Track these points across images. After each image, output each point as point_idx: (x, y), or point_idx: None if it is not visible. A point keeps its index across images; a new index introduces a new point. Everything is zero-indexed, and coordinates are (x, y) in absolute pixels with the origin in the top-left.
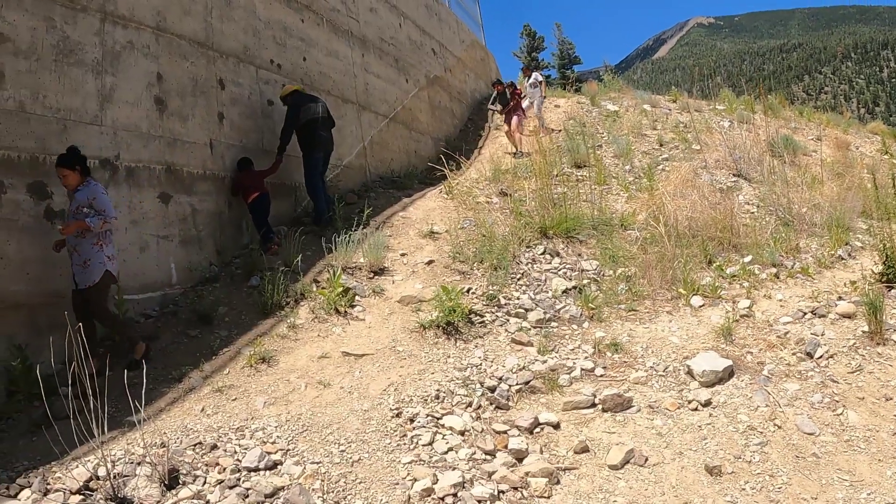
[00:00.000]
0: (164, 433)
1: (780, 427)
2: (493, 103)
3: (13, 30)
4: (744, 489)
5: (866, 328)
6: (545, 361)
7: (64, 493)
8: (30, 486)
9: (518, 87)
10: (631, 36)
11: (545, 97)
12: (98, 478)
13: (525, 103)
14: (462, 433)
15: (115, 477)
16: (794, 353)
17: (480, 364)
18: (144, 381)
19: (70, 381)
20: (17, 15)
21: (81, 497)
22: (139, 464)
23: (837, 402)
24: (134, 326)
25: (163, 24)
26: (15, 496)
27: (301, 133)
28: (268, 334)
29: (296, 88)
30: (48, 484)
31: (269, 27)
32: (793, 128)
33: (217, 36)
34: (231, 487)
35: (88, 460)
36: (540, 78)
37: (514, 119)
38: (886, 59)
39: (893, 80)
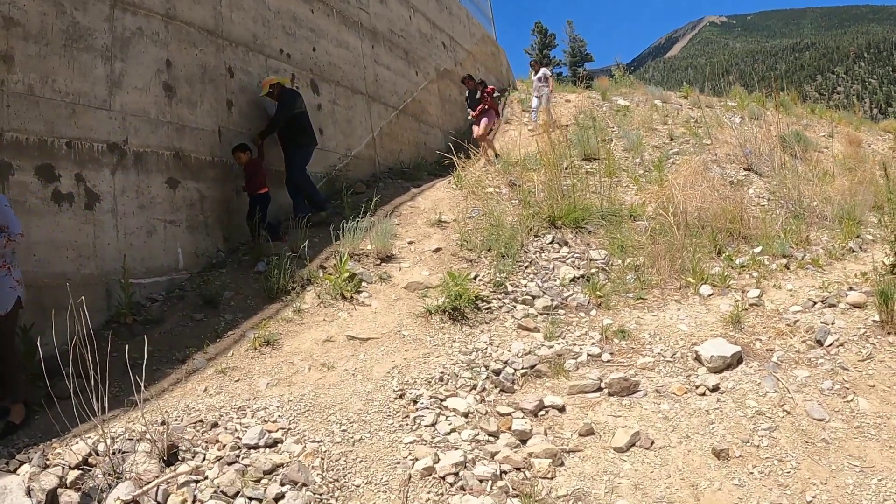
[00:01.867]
0: (166, 411)
1: (788, 413)
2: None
3: (23, 14)
4: (752, 473)
5: (877, 318)
6: (551, 347)
7: (63, 467)
8: (29, 462)
9: (490, 86)
10: (643, 34)
11: (553, 91)
12: (97, 453)
13: (534, 102)
14: (465, 415)
15: (114, 453)
16: (803, 341)
17: (486, 348)
18: (145, 360)
19: (71, 360)
20: (27, 0)
21: (80, 472)
22: (139, 440)
23: (848, 389)
24: (27, 385)
25: (172, 12)
26: (14, 471)
27: (295, 125)
28: (273, 318)
29: (278, 80)
30: (47, 459)
31: (279, 17)
32: (804, 125)
33: (226, 24)
34: (230, 464)
35: (88, 437)
36: (548, 73)
37: (484, 121)
38: None
39: None
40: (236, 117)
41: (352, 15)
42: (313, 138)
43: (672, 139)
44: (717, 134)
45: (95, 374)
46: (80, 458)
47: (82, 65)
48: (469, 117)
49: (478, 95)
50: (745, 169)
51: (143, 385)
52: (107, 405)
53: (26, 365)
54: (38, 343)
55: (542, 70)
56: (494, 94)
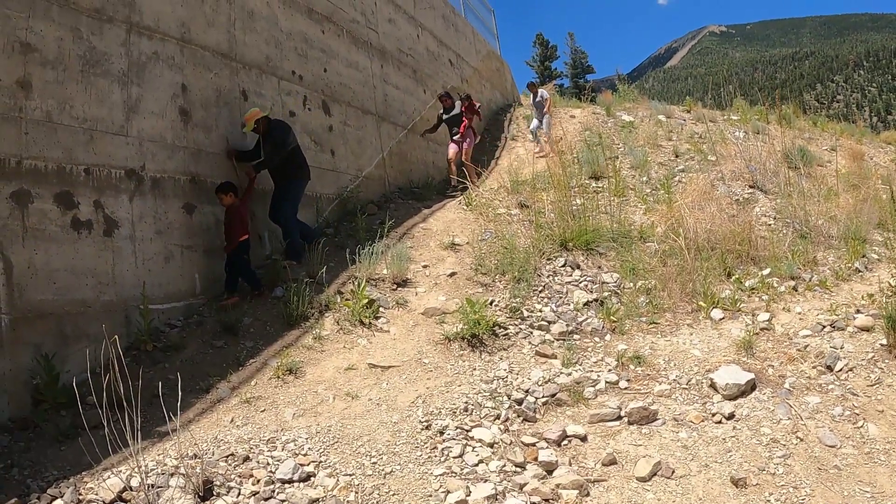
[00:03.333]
0: (196, 444)
1: (802, 440)
2: (441, 121)
3: (41, 40)
4: (769, 501)
5: (885, 341)
6: (570, 374)
7: (97, 503)
8: (62, 497)
9: (474, 101)
10: (643, 44)
11: (549, 113)
12: (131, 488)
13: (533, 123)
14: (491, 445)
15: (149, 488)
16: (814, 367)
17: (506, 376)
18: (180, 393)
19: (103, 389)
20: (44, 25)
21: None
22: (172, 475)
23: (858, 414)
24: None
25: (187, 36)
26: None
27: (290, 159)
28: (294, 345)
29: (265, 114)
30: (80, 494)
31: (291, 38)
32: (807, 138)
33: (240, 47)
34: (266, 499)
35: (120, 470)
36: (546, 95)
37: (465, 144)
38: None
39: None
40: (250, 141)
41: (361, 35)
42: (309, 172)
43: (677, 156)
44: (722, 150)
45: (124, 404)
46: (115, 494)
47: (99, 90)
48: (456, 136)
49: (455, 112)
50: (750, 186)
51: (173, 416)
52: (139, 436)
53: (47, 393)
54: (62, 371)
55: (541, 92)
56: (478, 106)
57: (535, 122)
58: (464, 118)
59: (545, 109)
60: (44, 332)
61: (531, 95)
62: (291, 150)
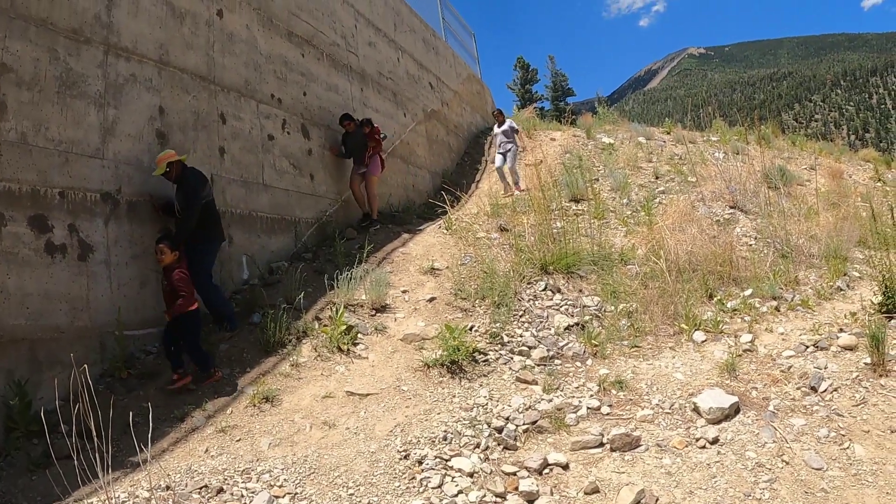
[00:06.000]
0: (169, 475)
1: (788, 463)
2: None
3: (16, 60)
4: None
5: (868, 360)
6: (551, 400)
7: None
8: None
9: (377, 127)
10: (624, 66)
11: (521, 149)
12: None
13: (498, 160)
14: (471, 475)
15: None
16: (798, 388)
17: (486, 404)
18: (152, 423)
19: (61, 417)
20: (20, 45)
21: None
22: None
23: (843, 436)
24: None
25: (165, 58)
26: None
27: (204, 215)
28: (270, 373)
29: (179, 158)
30: None
31: (271, 61)
32: (786, 157)
33: (219, 70)
34: None
35: (91, 502)
36: (516, 126)
37: (376, 170)
38: (875, 85)
39: (882, 106)
40: (228, 164)
41: (341, 58)
42: (223, 232)
43: (657, 177)
44: (702, 171)
45: (94, 434)
46: None
47: (75, 112)
48: (360, 169)
49: (358, 138)
50: (730, 207)
51: (145, 447)
52: (110, 467)
53: (19, 421)
54: (34, 398)
55: (508, 122)
56: (381, 136)
57: (498, 158)
58: (368, 146)
59: (518, 145)
60: (16, 358)
61: (498, 125)
62: (206, 206)
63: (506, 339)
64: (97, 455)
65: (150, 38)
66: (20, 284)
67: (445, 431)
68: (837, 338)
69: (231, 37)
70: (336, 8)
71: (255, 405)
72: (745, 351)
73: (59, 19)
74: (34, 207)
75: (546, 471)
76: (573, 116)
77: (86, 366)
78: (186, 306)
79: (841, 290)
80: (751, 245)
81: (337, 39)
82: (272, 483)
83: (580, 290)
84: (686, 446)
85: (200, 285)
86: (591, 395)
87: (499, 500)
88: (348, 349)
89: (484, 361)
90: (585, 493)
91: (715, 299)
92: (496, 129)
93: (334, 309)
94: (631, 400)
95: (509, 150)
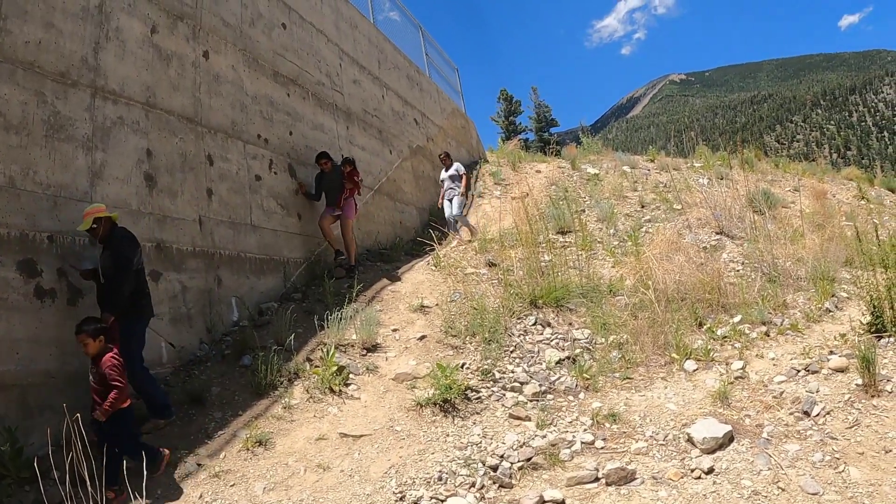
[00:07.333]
0: None
1: (783, 490)
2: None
3: (4, 104)
4: None
5: (860, 381)
6: (545, 436)
7: None
8: None
9: (357, 169)
10: (606, 95)
11: (466, 193)
12: None
13: (447, 211)
14: None
15: None
16: (791, 413)
17: (480, 442)
18: (145, 472)
19: (66, 464)
20: (8, 88)
21: None
22: None
23: (838, 459)
24: None
25: (152, 100)
26: None
27: (134, 286)
28: (263, 416)
29: (109, 215)
30: None
31: (257, 102)
32: (770, 180)
33: (205, 111)
34: None
35: None
36: (462, 169)
37: (350, 212)
38: (855, 103)
39: (863, 123)
40: (216, 205)
41: (327, 97)
42: (152, 306)
43: (643, 206)
44: (687, 198)
45: (88, 480)
46: None
47: (63, 155)
48: (334, 210)
49: (334, 177)
50: (716, 233)
51: (138, 494)
52: None
53: (11, 468)
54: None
55: (455, 165)
56: (358, 179)
57: (446, 206)
58: (345, 187)
59: (461, 189)
60: (6, 404)
61: (444, 169)
62: (136, 274)
63: (497, 375)
64: (91, 502)
65: (136, 80)
66: (9, 329)
67: (440, 471)
68: (828, 360)
69: (217, 78)
70: (320, 47)
71: (248, 449)
72: (736, 378)
73: (46, 62)
74: (23, 252)
75: None
76: (557, 147)
77: (78, 415)
78: (122, 400)
79: (829, 311)
80: (738, 271)
81: (322, 78)
82: None
83: (570, 324)
84: (681, 477)
85: (132, 373)
86: (585, 430)
87: None
88: (340, 390)
89: (476, 399)
90: None
91: (705, 327)
92: (443, 174)
93: (325, 349)
94: (625, 433)
95: (454, 196)
